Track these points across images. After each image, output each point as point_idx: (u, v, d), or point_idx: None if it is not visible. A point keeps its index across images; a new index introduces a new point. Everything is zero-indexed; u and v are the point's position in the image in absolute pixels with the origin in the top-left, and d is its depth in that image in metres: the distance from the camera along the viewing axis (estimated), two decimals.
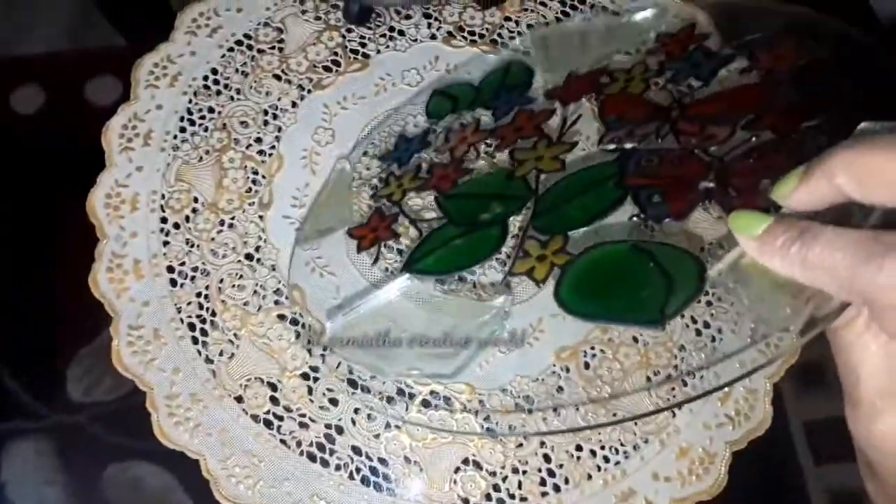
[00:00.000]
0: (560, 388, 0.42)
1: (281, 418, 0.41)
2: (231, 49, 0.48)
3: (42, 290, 0.45)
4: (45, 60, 0.51)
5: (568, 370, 0.42)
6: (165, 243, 0.43)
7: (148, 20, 0.51)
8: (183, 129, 0.46)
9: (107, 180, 0.44)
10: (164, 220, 0.44)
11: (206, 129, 0.46)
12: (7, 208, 0.47)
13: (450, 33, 0.50)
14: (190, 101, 0.47)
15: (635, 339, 0.43)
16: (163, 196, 0.44)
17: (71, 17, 0.53)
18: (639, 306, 0.32)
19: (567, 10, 0.51)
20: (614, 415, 0.42)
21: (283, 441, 0.40)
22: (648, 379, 0.43)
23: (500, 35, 0.50)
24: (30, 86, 0.50)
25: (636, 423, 0.42)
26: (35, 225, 0.46)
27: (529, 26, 0.50)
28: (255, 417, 0.41)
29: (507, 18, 0.50)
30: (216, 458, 0.40)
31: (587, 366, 0.43)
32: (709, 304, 0.45)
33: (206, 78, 0.47)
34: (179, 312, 0.42)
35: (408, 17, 0.50)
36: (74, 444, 0.42)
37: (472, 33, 0.50)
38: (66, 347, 0.43)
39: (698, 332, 0.44)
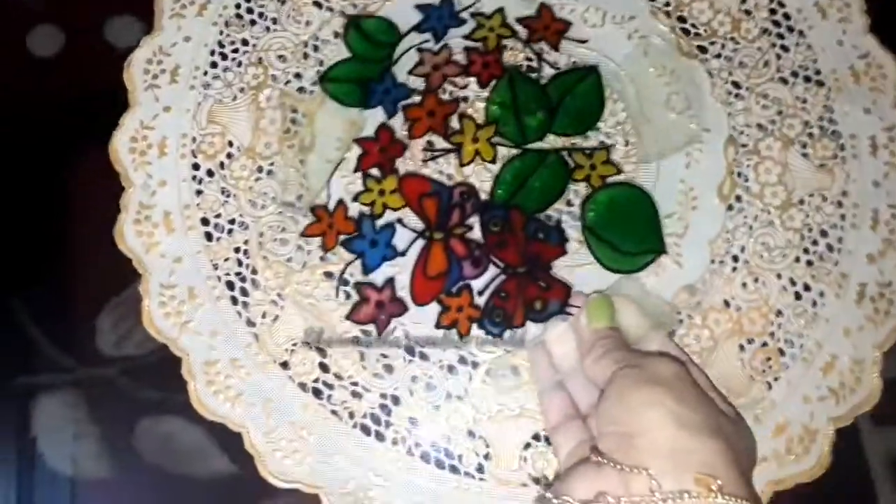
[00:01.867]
0: None
1: (331, 387, 0.37)
2: None
3: (66, 239, 0.42)
4: None
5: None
6: (198, 192, 0.39)
7: None
8: (214, 65, 0.41)
9: (131, 122, 0.40)
10: (195, 167, 0.40)
11: (239, 64, 0.41)
12: (27, 156, 0.43)
13: None
14: (221, 33, 0.42)
15: (726, 304, 0.39)
16: (194, 140, 0.40)
17: None
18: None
19: None
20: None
21: (333, 412, 0.37)
22: (742, 348, 0.38)
23: None
24: (46, 26, 0.45)
25: (727, 396, 0.37)
26: (56, 172, 0.43)
27: None
28: (302, 386, 0.37)
29: None
30: (260, 430, 0.37)
31: (672, 332, 0.38)
32: (809, 263, 0.39)
33: (238, 6, 0.42)
34: (216, 270, 0.38)
35: None
36: (105, 397, 0.40)
37: None
38: (95, 299, 0.41)
39: (797, 296, 0.39)
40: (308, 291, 0.38)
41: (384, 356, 0.37)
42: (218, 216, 0.39)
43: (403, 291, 0.38)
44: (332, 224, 0.39)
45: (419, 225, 0.39)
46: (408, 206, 0.39)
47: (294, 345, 0.37)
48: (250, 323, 0.38)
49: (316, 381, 0.37)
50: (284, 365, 0.37)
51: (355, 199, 0.39)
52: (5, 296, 0.42)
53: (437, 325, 0.38)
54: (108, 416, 0.40)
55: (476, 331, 0.38)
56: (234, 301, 0.38)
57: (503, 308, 0.38)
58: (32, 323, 0.41)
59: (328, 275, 0.38)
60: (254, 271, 0.38)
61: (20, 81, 0.45)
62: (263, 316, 0.38)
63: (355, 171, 0.40)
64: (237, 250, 0.39)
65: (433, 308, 0.38)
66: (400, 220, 0.39)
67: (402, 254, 0.38)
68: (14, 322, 0.41)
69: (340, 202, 0.39)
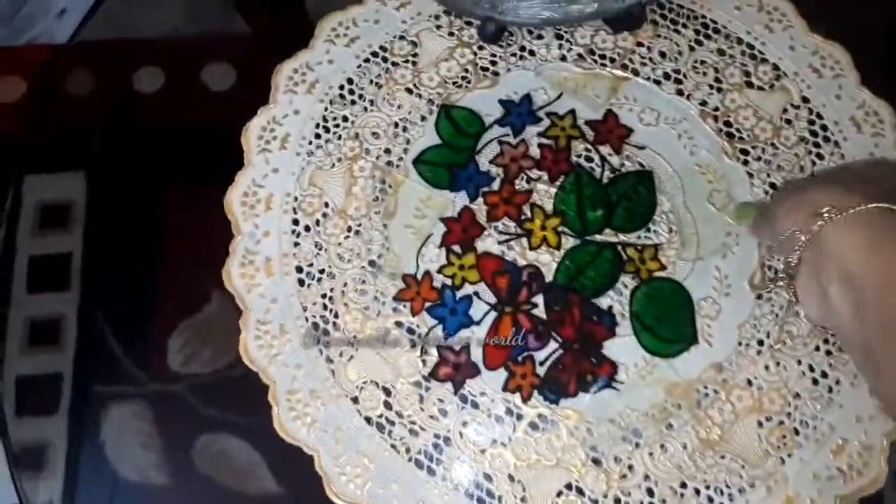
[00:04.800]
0: (670, 426, 0.42)
1: (392, 423, 0.42)
2: (367, 60, 0.50)
3: (149, 264, 0.48)
4: (165, 43, 0.54)
5: (679, 407, 0.42)
6: (296, 244, 0.45)
7: (285, 25, 0.54)
8: (318, 136, 0.48)
9: (244, 180, 0.47)
10: (295, 222, 0.46)
11: (339, 137, 0.48)
12: (123, 179, 0.50)
13: (580, 55, 0.50)
14: (326, 109, 0.48)
15: (749, 382, 0.43)
16: (295, 199, 0.46)
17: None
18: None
19: (701, 38, 0.50)
20: (722, 457, 0.41)
21: (393, 445, 0.42)
22: (760, 424, 0.42)
23: (630, 60, 0.50)
24: (151, 67, 0.53)
25: (743, 466, 0.41)
26: (141, 198, 0.49)
27: (662, 54, 0.50)
28: (368, 419, 0.42)
29: (640, 44, 0.50)
30: (330, 454, 0.42)
31: (698, 404, 0.42)
32: (828, 353, 0.44)
33: (341, 87, 0.49)
34: (305, 311, 0.44)
35: (539, 37, 0.50)
36: (170, 411, 0.44)
37: (602, 56, 0.50)
38: (169, 319, 0.46)
39: (815, 381, 0.43)
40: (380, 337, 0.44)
41: (440, 400, 0.43)
42: (310, 265, 0.45)
43: (477, 356, 0.44)
44: (419, 292, 0.45)
45: (492, 299, 0.45)
46: (483, 282, 0.45)
47: (364, 382, 0.43)
48: (329, 360, 0.43)
49: (380, 416, 0.42)
50: (355, 400, 0.43)
51: (439, 271, 0.45)
52: (94, 309, 0.47)
53: (504, 389, 0.43)
54: (171, 429, 0.44)
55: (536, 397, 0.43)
56: (318, 341, 0.44)
57: (559, 378, 0.43)
58: (113, 337, 0.46)
59: (398, 324, 0.44)
60: (336, 315, 0.44)
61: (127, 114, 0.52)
62: (341, 355, 0.43)
63: (440, 246, 0.46)
64: (324, 296, 0.45)
65: (501, 373, 0.43)
66: (476, 293, 0.45)
67: (477, 323, 0.44)
68: (98, 334, 0.46)
69: (427, 273, 0.45)
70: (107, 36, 0.55)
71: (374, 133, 0.48)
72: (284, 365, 0.43)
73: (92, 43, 0.55)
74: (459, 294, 0.45)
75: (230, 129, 0.49)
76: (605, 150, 0.48)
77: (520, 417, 0.42)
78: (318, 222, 0.46)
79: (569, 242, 0.46)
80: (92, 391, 0.45)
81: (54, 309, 0.48)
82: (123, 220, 0.49)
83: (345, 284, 0.45)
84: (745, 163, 0.47)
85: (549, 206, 0.47)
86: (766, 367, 0.43)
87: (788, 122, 0.48)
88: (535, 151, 0.48)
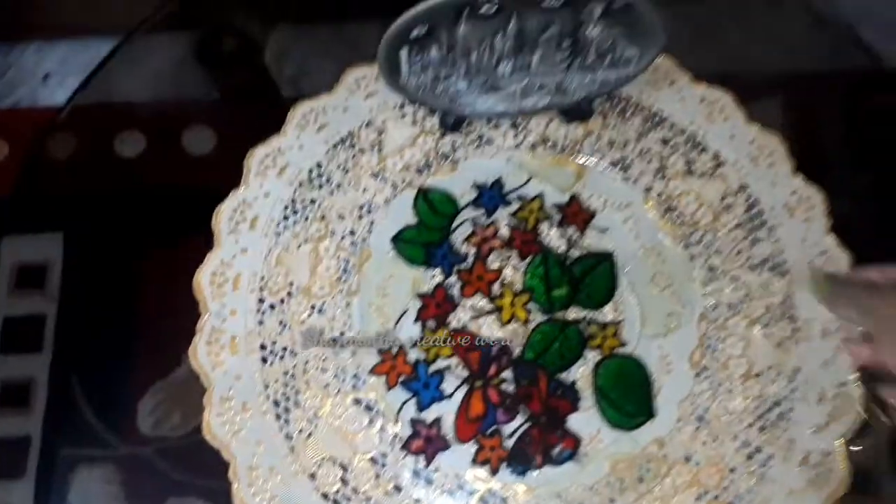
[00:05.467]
0: (612, 500, 0.44)
1: (349, 499, 0.44)
2: (335, 145, 0.53)
3: (122, 326, 0.49)
4: (146, 107, 0.57)
5: (622, 482, 0.44)
6: (260, 322, 0.48)
7: (261, 110, 0.57)
8: (286, 217, 0.51)
9: (214, 260, 0.49)
10: (261, 301, 0.48)
11: (306, 219, 0.51)
12: (102, 244, 0.52)
13: (534, 144, 0.53)
14: (294, 192, 0.51)
15: (687, 458, 0.45)
16: (262, 278, 0.49)
17: (171, 65, 0.58)
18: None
19: (646, 128, 0.54)
20: None
21: None
22: (698, 498, 0.45)
23: (581, 148, 0.53)
24: (132, 131, 0.56)
25: None
26: (118, 261, 0.52)
27: (610, 142, 0.53)
28: (325, 496, 0.44)
29: (589, 133, 0.54)
30: None
31: (641, 479, 0.45)
32: (762, 428, 0.46)
33: (310, 171, 0.52)
34: (267, 388, 0.46)
35: (496, 126, 0.54)
36: (139, 475, 0.46)
37: (554, 145, 0.53)
38: (141, 381, 0.47)
39: (749, 456, 0.46)
40: (339, 414, 0.46)
41: (395, 477, 0.45)
42: (274, 343, 0.48)
43: (448, 429, 0.46)
44: (394, 366, 0.47)
45: (464, 373, 0.47)
46: (456, 356, 0.47)
47: (322, 459, 0.45)
48: (288, 436, 0.45)
49: (337, 492, 0.44)
50: (312, 476, 0.44)
51: (414, 345, 0.48)
52: (66, 371, 0.48)
53: (474, 461, 0.45)
54: (141, 493, 0.45)
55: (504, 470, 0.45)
56: (278, 417, 0.46)
57: (526, 451, 0.45)
58: (84, 399, 0.47)
59: (357, 401, 0.46)
60: (297, 392, 0.46)
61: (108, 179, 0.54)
62: (300, 432, 0.45)
63: (416, 321, 0.48)
64: (286, 373, 0.47)
65: (472, 446, 0.45)
66: (448, 368, 0.47)
67: (449, 397, 0.46)
68: (68, 397, 0.47)
69: (401, 347, 0.48)
70: (91, 101, 0.57)
71: (339, 215, 0.51)
72: (245, 442, 0.45)
73: (76, 108, 0.57)
74: (432, 368, 0.47)
75: (208, 195, 0.51)
76: (571, 231, 0.51)
77: (472, 493, 0.44)
78: (282, 301, 0.48)
79: (536, 319, 0.48)
80: (60, 454, 0.46)
81: (25, 371, 0.49)
82: (98, 283, 0.52)
83: (306, 362, 0.47)
84: (687, 246, 0.51)
85: (518, 284, 0.49)
86: (704, 443, 0.46)
87: (727, 207, 0.52)
88: (505, 232, 0.51)
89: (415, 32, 0.45)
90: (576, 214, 0.51)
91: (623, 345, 0.48)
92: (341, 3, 0.63)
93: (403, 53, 0.46)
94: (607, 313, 0.48)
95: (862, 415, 0.46)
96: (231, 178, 0.52)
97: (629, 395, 0.47)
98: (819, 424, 0.46)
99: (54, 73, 0.92)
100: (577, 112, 0.53)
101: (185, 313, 0.48)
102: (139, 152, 0.55)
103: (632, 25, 0.46)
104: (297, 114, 0.54)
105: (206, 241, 0.50)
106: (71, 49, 0.92)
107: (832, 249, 0.50)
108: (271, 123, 0.53)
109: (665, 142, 0.54)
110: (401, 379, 0.46)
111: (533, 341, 0.48)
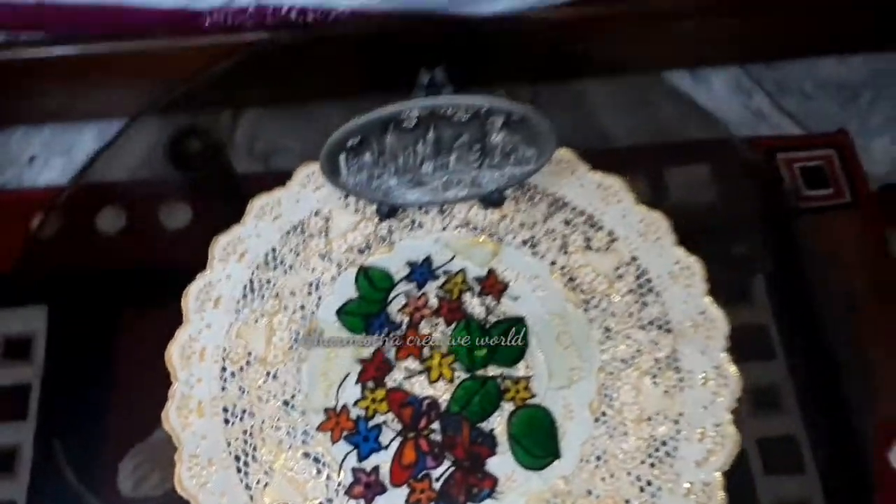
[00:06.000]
0: None
1: None
2: (288, 232, 0.62)
3: (102, 392, 0.55)
4: (125, 186, 0.66)
5: None
6: (223, 388, 0.56)
7: (223, 203, 0.66)
8: (245, 296, 0.59)
9: (183, 335, 0.57)
10: (223, 370, 0.56)
11: (262, 297, 0.59)
12: (82, 314, 0.59)
13: (457, 227, 0.63)
14: (252, 273, 0.60)
15: (589, 492, 0.53)
16: (224, 349, 0.57)
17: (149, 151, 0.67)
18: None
19: (551, 211, 0.64)
20: None
21: None
22: None
23: (497, 229, 0.63)
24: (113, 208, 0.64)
25: None
26: (98, 331, 0.58)
27: (521, 224, 0.63)
28: None
29: (504, 216, 0.64)
30: None
31: None
32: (652, 465, 0.54)
33: (266, 255, 0.61)
34: (229, 446, 0.54)
35: (426, 212, 0.63)
36: None
37: (474, 228, 0.63)
38: (121, 444, 0.53)
39: (641, 489, 0.54)
40: (290, 466, 0.53)
41: None
42: (234, 406, 0.55)
43: (384, 476, 0.53)
44: (338, 422, 0.55)
45: (398, 426, 0.55)
46: (391, 412, 0.55)
47: None
48: (248, 487, 0.52)
49: None
50: None
51: (355, 404, 0.55)
52: (50, 437, 0.54)
53: (406, 503, 0.52)
54: None
55: None
56: (239, 470, 0.53)
57: (451, 492, 0.53)
58: (67, 463, 0.53)
59: (306, 455, 0.54)
60: (254, 448, 0.54)
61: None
62: (258, 483, 0.53)
63: (356, 382, 0.56)
64: (245, 432, 0.54)
65: (404, 490, 0.53)
66: (385, 422, 0.55)
67: (385, 448, 0.54)
68: (53, 462, 0.52)
69: (344, 406, 0.56)
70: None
71: (291, 292, 0.59)
72: (211, 493, 0.52)
73: (58, 188, 0.65)
74: (371, 423, 0.55)
75: (178, 274, 0.59)
76: (489, 300, 0.60)
77: None
78: (241, 369, 0.56)
79: (460, 376, 0.57)
80: None
81: (11, 438, 0.54)
82: (80, 352, 0.58)
83: (262, 422, 0.55)
84: (586, 310, 0.60)
85: (444, 347, 0.58)
86: (603, 479, 0.54)
87: (620, 276, 0.61)
88: (433, 302, 0.60)
89: (350, 142, 0.55)
90: (493, 286, 0.61)
91: (533, 396, 0.56)
92: (307, 87, 0.73)
93: (342, 158, 0.56)
94: (520, 369, 0.57)
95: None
96: (199, 257, 0.60)
97: (538, 440, 0.55)
98: (700, 459, 0.54)
99: (39, 156, 0.98)
100: (491, 200, 0.63)
101: (159, 382, 0.55)
102: (119, 229, 0.63)
103: (528, 132, 0.56)
104: (255, 205, 0.63)
105: (176, 316, 0.58)
106: (53, 133, 0.98)
107: (710, 310, 0.60)
108: (232, 216, 0.62)
109: (567, 222, 0.63)
110: (344, 434, 0.54)
111: (457, 396, 0.56)
